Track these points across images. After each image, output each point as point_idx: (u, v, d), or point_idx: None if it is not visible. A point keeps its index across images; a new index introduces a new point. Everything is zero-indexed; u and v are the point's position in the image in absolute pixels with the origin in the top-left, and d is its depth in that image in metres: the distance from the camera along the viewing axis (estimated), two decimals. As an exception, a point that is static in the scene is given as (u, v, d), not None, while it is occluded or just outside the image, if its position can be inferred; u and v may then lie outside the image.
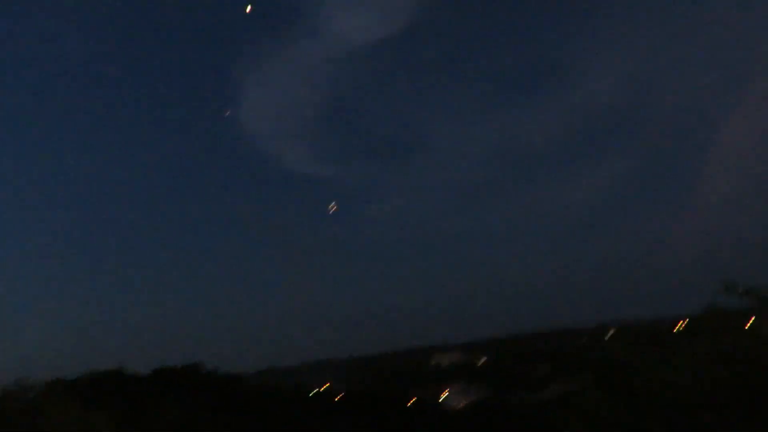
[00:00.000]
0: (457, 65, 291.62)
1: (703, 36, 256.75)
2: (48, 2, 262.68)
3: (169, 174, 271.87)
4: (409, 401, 66.87)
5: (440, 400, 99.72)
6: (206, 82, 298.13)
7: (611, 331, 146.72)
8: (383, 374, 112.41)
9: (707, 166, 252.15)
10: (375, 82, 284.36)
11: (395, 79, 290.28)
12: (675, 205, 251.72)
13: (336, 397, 61.93)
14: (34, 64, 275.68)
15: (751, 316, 22.21)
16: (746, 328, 22.04)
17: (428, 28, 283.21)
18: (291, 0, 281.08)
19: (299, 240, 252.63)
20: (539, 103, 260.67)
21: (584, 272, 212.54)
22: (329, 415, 50.02)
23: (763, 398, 19.50)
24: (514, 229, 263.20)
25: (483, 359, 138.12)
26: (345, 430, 47.93)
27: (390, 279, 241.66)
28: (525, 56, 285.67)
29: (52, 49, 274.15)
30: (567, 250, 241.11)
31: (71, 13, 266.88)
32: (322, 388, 68.49)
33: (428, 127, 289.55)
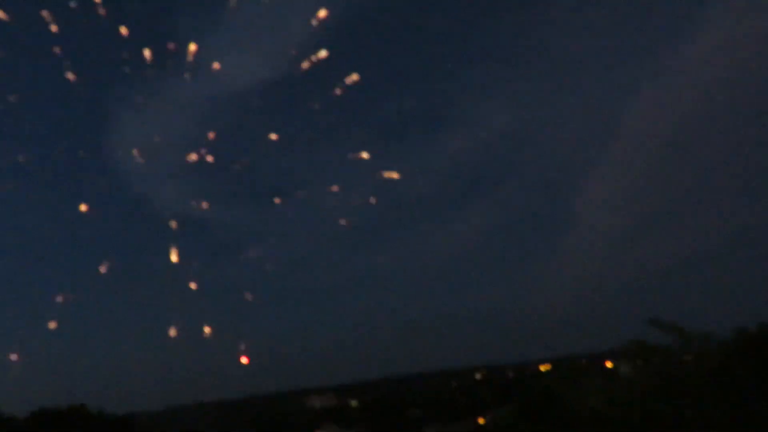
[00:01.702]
0: (336, 111, 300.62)
1: (579, 90, 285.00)
2: None
3: (34, 211, 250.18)
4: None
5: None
6: (77, 114, 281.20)
7: (479, 375, 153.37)
8: (260, 419, 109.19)
9: (576, 215, 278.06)
10: (254, 124, 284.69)
11: (275, 123, 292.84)
12: (548, 253, 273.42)
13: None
14: None
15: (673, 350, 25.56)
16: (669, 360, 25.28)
17: (311, 74, 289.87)
18: (173, 36, 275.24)
19: (175, 281, 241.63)
20: (416, 151, 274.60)
21: (456, 317, 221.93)
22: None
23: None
24: (388, 273, 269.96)
25: (356, 402, 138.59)
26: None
27: (265, 321, 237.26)
28: (403, 104, 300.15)
29: None
30: (439, 295, 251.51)
31: None
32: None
33: (305, 173, 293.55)
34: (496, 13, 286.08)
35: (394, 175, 62.43)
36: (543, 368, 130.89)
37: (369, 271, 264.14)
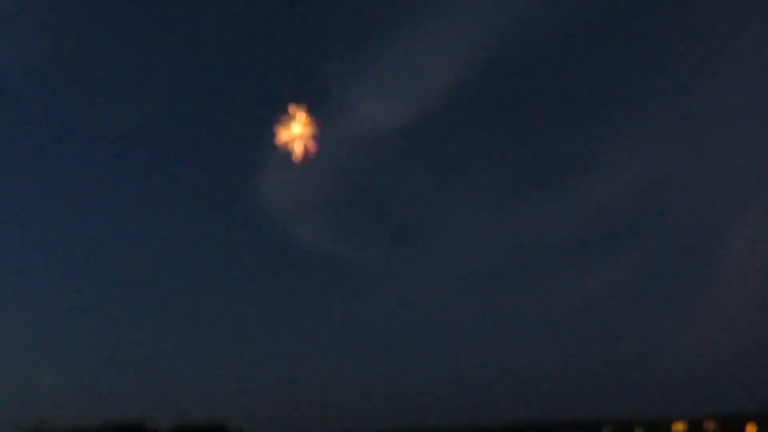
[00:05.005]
0: (477, 156, 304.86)
1: (728, 138, 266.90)
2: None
3: (184, 244, 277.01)
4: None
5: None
6: (225, 152, 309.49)
7: (607, 429, 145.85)
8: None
9: (716, 277, 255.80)
10: (395, 165, 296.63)
11: (416, 165, 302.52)
12: (682, 312, 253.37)
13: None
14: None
15: None
16: None
17: (453, 117, 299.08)
18: (321, 76, 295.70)
19: (310, 314, 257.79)
20: (553, 200, 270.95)
21: (585, 368, 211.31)
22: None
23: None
24: (522, 320, 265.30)
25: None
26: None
27: (394, 359, 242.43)
28: (541, 152, 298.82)
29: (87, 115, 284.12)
30: (570, 345, 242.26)
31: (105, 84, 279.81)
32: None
33: (444, 215, 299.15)
34: (652, 67, 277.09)
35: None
36: (676, 427, 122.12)
37: (497, 317, 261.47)
